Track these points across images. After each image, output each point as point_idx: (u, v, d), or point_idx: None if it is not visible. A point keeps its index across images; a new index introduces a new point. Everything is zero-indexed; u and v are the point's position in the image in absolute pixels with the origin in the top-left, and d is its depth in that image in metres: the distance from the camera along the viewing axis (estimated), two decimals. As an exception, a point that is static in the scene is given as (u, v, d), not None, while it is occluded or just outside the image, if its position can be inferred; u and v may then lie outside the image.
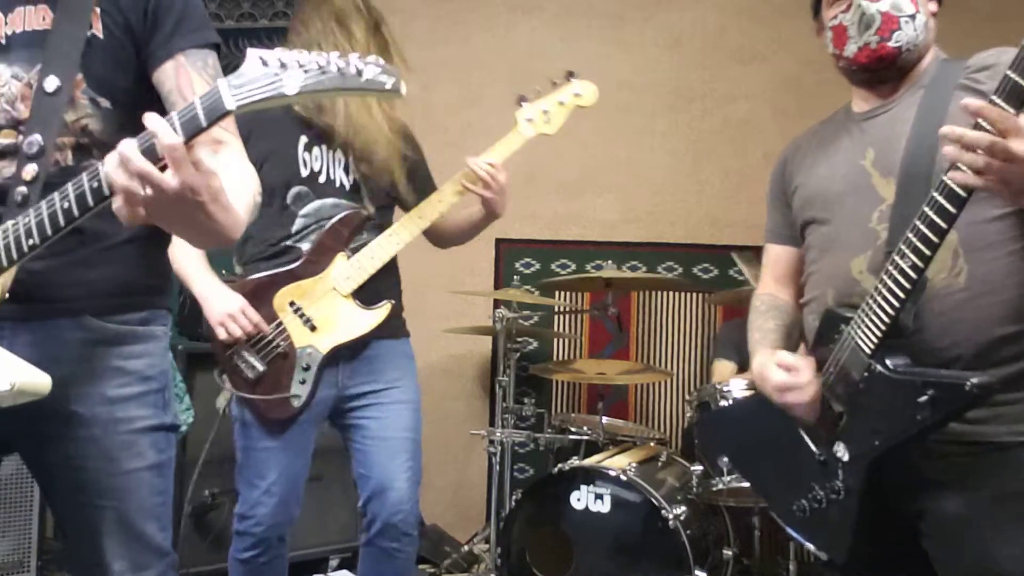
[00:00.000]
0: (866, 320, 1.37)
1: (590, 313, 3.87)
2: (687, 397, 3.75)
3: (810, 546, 1.55)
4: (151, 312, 1.38)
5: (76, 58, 1.26)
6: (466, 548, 3.55)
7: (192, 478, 2.92)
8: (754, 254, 3.53)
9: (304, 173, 2.13)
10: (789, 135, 4.25)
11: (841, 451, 1.44)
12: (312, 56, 1.06)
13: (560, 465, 2.82)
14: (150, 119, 1.03)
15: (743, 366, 3.41)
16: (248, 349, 2.07)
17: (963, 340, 1.37)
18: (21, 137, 1.26)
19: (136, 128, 1.31)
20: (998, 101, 1.14)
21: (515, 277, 4.01)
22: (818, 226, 1.62)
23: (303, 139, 2.14)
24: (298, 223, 2.13)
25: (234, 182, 1.20)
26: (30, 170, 1.23)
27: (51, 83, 1.25)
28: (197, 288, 2.12)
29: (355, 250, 2.14)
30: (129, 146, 1.02)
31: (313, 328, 2.09)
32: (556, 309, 3.99)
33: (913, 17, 1.50)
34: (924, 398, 1.27)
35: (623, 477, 2.64)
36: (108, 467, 1.31)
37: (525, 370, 3.49)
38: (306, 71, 1.05)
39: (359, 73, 1.07)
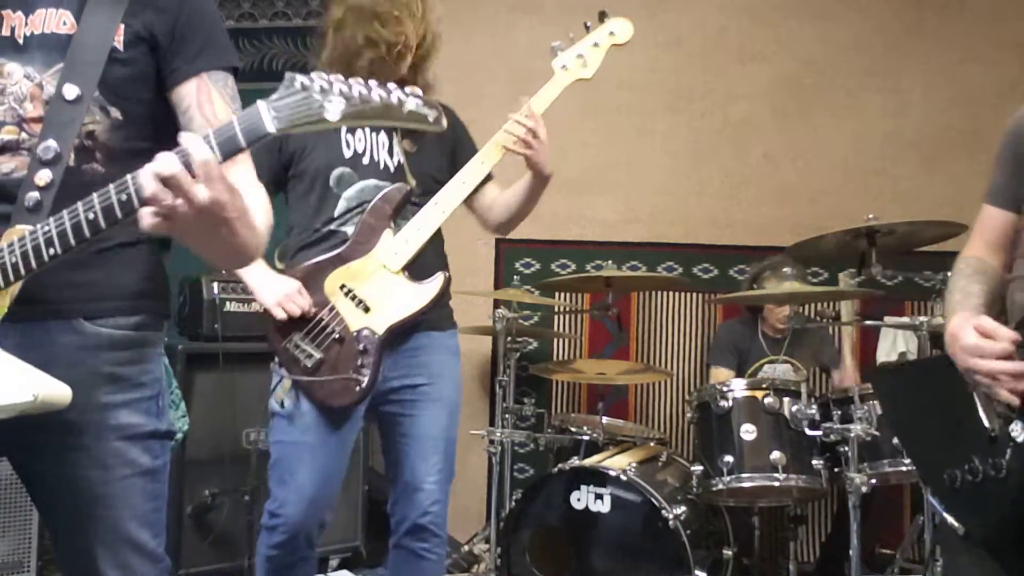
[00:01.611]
0: None
1: (590, 313, 3.87)
2: (687, 397, 3.75)
3: (948, 517, 1.52)
4: (146, 317, 1.36)
5: (98, 69, 1.26)
6: (466, 548, 3.54)
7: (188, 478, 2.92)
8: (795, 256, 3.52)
9: (347, 155, 2.10)
10: (789, 135, 4.25)
11: (1018, 431, 1.41)
12: (354, 84, 1.07)
13: (560, 465, 2.82)
14: (186, 137, 1.04)
15: (741, 371, 3.41)
16: (303, 338, 2.01)
17: None
18: (24, 135, 1.26)
19: (143, 136, 1.32)
20: None
21: (515, 277, 4.01)
22: None
23: None
24: (341, 206, 2.09)
25: (253, 202, 1.20)
26: (44, 176, 1.22)
27: (71, 91, 1.25)
28: (248, 277, 2.07)
29: (400, 226, 2.08)
30: (166, 157, 1.03)
31: (367, 309, 2.02)
32: (556, 309, 3.99)
33: None
34: None
35: (623, 477, 2.64)
36: (100, 475, 1.29)
37: (525, 370, 3.49)
38: (348, 99, 1.06)
39: (401, 105, 1.09)
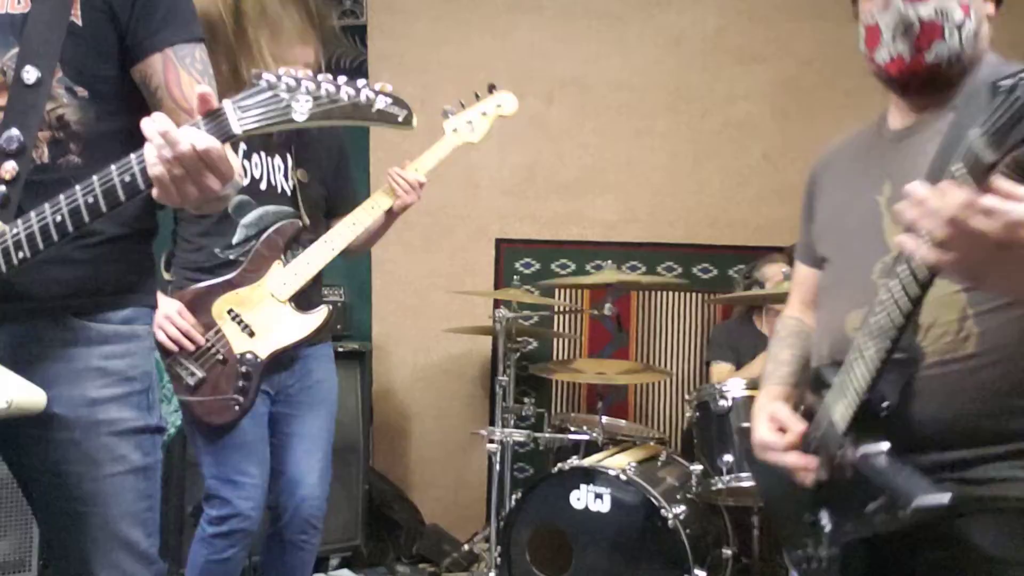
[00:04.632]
0: (842, 392, 1.20)
1: (590, 313, 3.87)
2: (686, 397, 3.75)
3: None
4: (134, 310, 1.34)
5: (56, 47, 1.21)
6: (466, 548, 3.55)
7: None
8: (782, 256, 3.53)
9: (245, 182, 2.15)
10: (789, 135, 4.25)
11: (825, 520, 1.28)
12: (322, 82, 1.04)
13: (560, 465, 2.82)
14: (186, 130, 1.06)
15: (740, 365, 3.41)
16: (187, 357, 2.10)
17: (970, 413, 1.17)
18: None
19: (115, 118, 1.28)
20: (958, 174, 0.93)
21: (515, 277, 4.01)
22: (828, 265, 1.45)
23: (242, 146, 2.15)
24: (240, 233, 2.16)
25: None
26: (9, 168, 1.18)
27: (30, 74, 1.19)
28: None
29: (290, 258, 2.19)
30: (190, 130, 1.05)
31: (252, 334, 2.13)
32: (556, 309, 3.99)
33: (960, 26, 1.26)
34: (876, 505, 1.12)
35: (623, 477, 2.64)
36: (90, 471, 1.28)
37: (525, 370, 3.50)
38: (316, 98, 1.03)
39: (370, 104, 1.05)
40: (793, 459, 1.30)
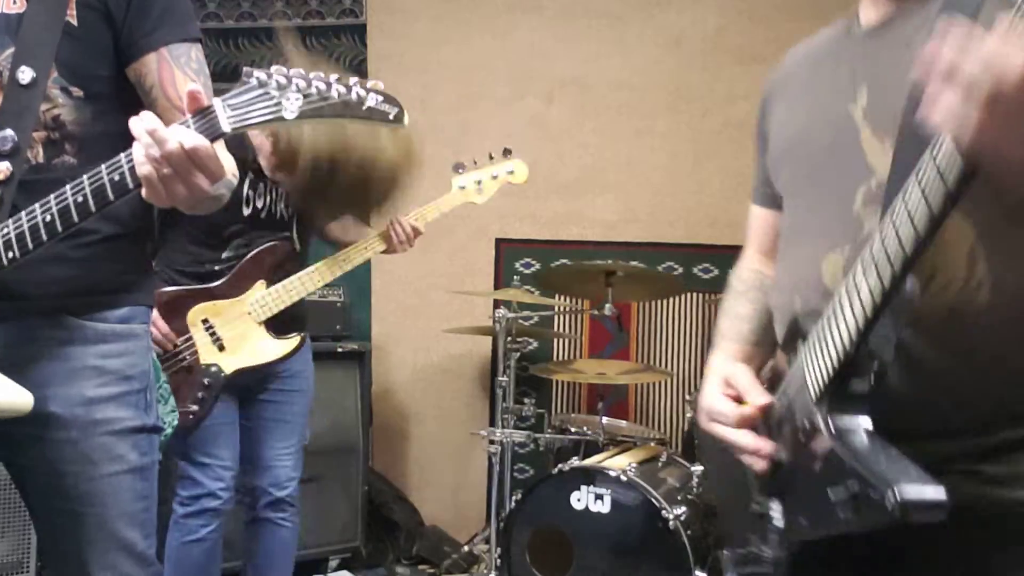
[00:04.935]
0: (820, 346, 0.91)
1: (590, 313, 3.87)
2: (687, 397, 3.74)
3: None
4: (131, 309, 1.34)
5: (52, 48, 1.21)
6: (466, 549, 3.54)
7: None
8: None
9: (247, 212, 2.20)
10: (789, 135, 4.12)
11: (776, 512, 1.01)
12: (313, 80, 1.03)
13: (560, 465, 2.81)
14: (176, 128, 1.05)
15: None
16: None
17: (985, 388, 0.91)
18: None
19: (110, 119, 1.28)
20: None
21: (515, 277, 4.00)
22: (790, 200, 1.16)
23: (249, 176, 2.19)
24: (228, 252, 2.20)
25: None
26: (3, 168, 1.19)
27: (25, 75, 1.19)
28: None
29: (275, 280, 2.21)
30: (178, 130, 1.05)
31: (221, 348, 2.14)
32: (556, 309, 3.98)
33: None
34: (844, 493, 0.82)
35: (623, 477, 2.64)
36: (87, 471, 1.27)
37: (525, 370, 3.49)
38: (306, 96, 1.03)
39: (361, 101, 1.05)
40: (743, 438, 1.03)
